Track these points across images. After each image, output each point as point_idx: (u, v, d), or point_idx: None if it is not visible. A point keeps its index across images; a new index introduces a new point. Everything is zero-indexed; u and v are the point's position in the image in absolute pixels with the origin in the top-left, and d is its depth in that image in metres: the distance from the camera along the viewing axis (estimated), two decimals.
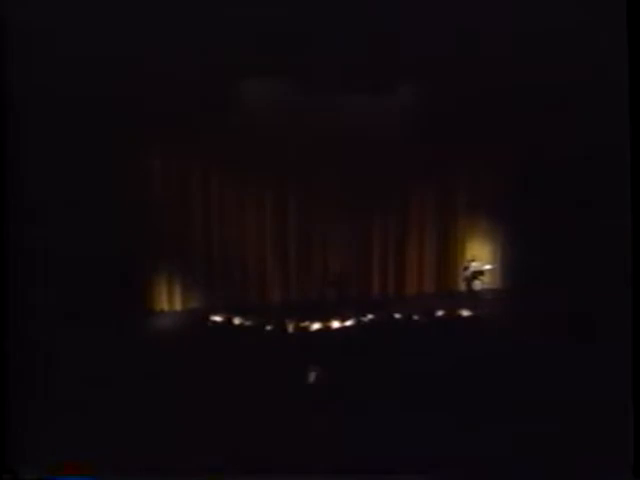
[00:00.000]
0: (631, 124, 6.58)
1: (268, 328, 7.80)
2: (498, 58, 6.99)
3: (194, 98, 7.35)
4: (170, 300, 8.19)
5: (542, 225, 7.18)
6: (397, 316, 7.94)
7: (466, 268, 8.50)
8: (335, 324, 7.89)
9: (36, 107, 6.85)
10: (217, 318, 7.90)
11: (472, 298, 8.32)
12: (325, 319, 7.89)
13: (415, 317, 7.87)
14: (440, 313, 7.93)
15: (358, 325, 7.91)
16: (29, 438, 6.84)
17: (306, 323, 7.85)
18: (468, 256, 8.49)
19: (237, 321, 7.87)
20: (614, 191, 6.81)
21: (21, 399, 6.84)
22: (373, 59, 7.20)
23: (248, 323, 7.89)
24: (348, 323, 7.92)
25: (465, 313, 7.95)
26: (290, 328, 7.81)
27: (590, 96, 6.83)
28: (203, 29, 7.04)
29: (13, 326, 6.77)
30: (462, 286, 8.54)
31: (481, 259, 8.42)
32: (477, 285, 8.46)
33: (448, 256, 8.59)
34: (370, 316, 7.98)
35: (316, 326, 7.87)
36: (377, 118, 8.03)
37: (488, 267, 8.40)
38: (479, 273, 8.45)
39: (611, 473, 6.61)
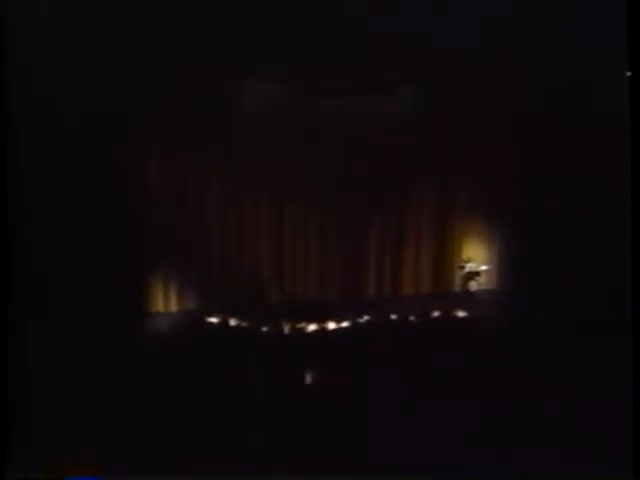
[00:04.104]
0: (631, 125, 6.60)
1: (264, 329, 7.79)
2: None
3: (193, 99, 7.35)
4: (166, 302, 8.16)
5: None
6: (393, 317, 7.94)
7: (462, 268, 8.51)
8: (330, 325, 7.89)
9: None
10: (213, 319, 7.88)
11: (468, 299, 8.35)
12: (319, 320, 7.89)
13: (411, 318, 7.88)
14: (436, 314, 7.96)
15: (353, 326, 7.91)
16: (27, 439, 6.84)
17: (301, 324, 7.85)
18: (464, 257, 8.51)
19: (233, 322, 7.86)
20: (613, 191, 6.82)
21: (19, 400, 6.84)
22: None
23: (244, 324, 7.87)
24: (342, 324, 7.92)
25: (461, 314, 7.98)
26: (286, 329, 7.80)
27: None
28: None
29: (12, 327, 6.77)
30: (458, 287, 8.56)
31: (477, 260, 8.44)
32: (473, 286, 8.47)
33: (444, 257, 8.61)
34: (366, 317, 7.98)
35: (310, 327, 7.87)
36: (374, 119, 8.06)
37: (484, 268, 8.42)
38: (475, 274, 8.46)
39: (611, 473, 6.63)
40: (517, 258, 7.63)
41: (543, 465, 6.73)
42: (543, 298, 7.13)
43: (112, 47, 6.93)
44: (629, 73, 6.66)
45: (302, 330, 7.84)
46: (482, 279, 8.40)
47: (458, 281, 8.51)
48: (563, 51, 6.85)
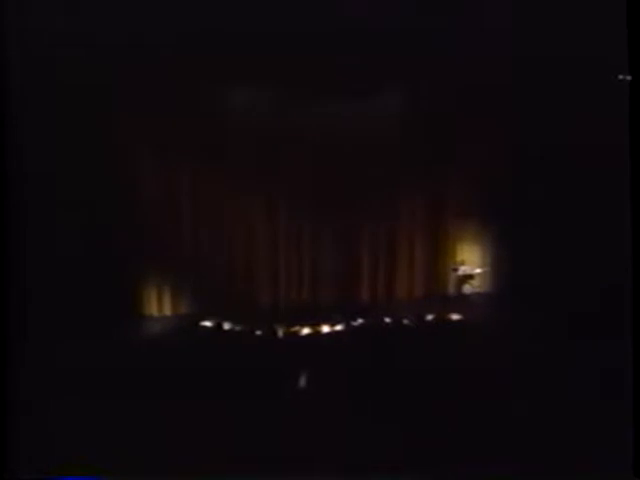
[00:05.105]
0: (631, 124, 6.63)
1: (258, 333, 7.78)
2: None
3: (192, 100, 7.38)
4: (160, 305, 8.15)
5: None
6: (387, 320, 7.95)
7: (455, 270, 8.53)
8: (325, 329, 7.89)
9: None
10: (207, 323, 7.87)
11: (462, 302, 8.36)
12: (315, 323, 7.89)
13: (405, 321, 7.90)
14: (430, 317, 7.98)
15: (347, 328, 7.92)
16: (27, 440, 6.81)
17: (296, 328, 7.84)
18: (458, 259, 8.54)
19: (227, 326, 7.84)
20: (613, 192, 6.85)
21: (19, 402, 6.82)
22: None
23: (238, 328, 7.86)
24: (336, 328, 7.92)
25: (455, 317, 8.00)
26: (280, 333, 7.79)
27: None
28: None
29: (12, 328, 6.76)
30: (452, 290, 8.58)
31: (471, 263, 8.46)
32: (467, 289, 8.49)
33: (438, 260, 8.63)
34: (360, 320, 7.98)
35: (305, 330, 7.86)
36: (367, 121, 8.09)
37: (478, 271, 8.44)
38: (469, 277, 8.48)
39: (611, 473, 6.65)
40: (511, 261, 7.65)
41: (543, 465, 6.74)
42: (539, 300, 7.15)
43: (112, 47, 6.95)
44: (621, 76, 6.70)
45: (296, 333, 7.84)
46: (476, 282, 8.44)
47: (452, 284, 8.56)
48: (562, 52, 6.91)
